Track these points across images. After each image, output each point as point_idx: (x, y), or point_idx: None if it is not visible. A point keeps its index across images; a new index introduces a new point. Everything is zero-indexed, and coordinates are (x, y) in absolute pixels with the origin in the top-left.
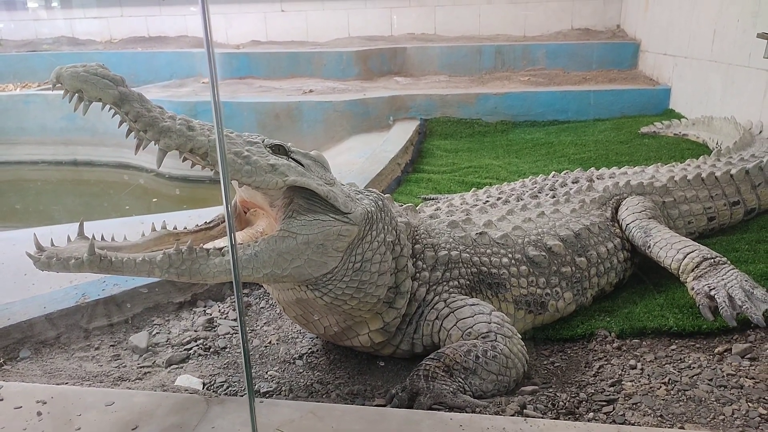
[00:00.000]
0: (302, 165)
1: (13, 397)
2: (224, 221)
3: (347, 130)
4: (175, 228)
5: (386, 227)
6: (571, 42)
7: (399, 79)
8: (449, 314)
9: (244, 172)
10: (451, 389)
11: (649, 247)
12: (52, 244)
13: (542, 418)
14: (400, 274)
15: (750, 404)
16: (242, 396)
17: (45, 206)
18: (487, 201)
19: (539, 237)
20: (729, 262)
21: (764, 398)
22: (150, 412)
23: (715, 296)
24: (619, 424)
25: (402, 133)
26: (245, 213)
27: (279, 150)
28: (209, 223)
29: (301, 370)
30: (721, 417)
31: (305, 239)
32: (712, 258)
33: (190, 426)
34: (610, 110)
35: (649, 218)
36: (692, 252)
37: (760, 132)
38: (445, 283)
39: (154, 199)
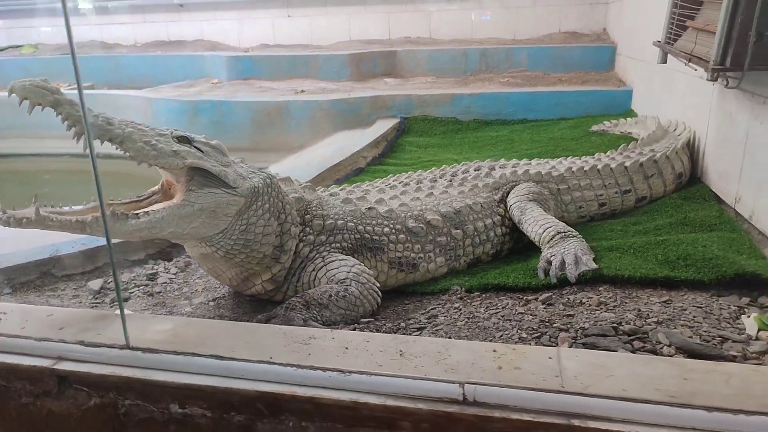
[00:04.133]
0: (202, 151)
1: None
2: (152, 195)
3: (331, 126)
4: (111, 200)
5: (272, 199)
6: (552, 45)
7: (388, 80)
8: (323, 266)
9: (151, 156)
10: (303, 317)
11: (522, 223)
12: (13, 209)
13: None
14: (284, 236)
15: (518, 331)
16: (147, 313)
17: (64, 191)
18: (390, 184)
19: (421, 212)
20: (578, 235)
21: (532, 328)
22: (76, 320)
23: (552, 260)
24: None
25: (379, 129)
26: (169, 189)
27: (183, 140)
28: (140, 197)
29: (210, 308)
30: (491, 338)
31: (200, 206)
32: (564, 232)
33: (101, 327)
34: (575, 110)
35: (530, 200)
36: (549, 227)
37: (675, 129)
38: (328, 245)
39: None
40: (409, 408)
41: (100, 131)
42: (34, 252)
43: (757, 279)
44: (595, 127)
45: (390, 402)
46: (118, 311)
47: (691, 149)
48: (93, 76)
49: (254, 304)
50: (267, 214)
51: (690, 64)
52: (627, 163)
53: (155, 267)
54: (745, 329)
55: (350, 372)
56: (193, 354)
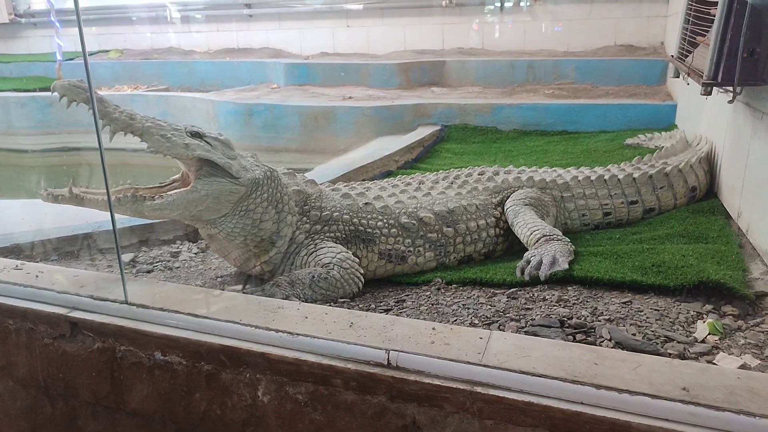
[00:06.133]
0: (211, 145)
1: (29, 269)
2: (172, 183)
3: (373, 131)
4: (136, 184)
5: (271, 190)
6: (603, 58)
7: (435, 90)
8: (314, 252)
9: (165, 147)
10: (285, 293)
11: (513, 226)
12: (53, 188)
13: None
14: (281, 224)
15: (472, 318)
16: (146, 278)
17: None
18: (394, 184)
19: (415, 210)
20: (564, 239)
21: (486, 316)
22: (95, 280)
23: (531, 259)
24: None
25: (417, 135)
26: (187, 178)
27: (195, 134)
28: (162, 183)
29: (216, 284)
30: (445, 321)
31: (206, 193)
32: (550, 235)
33: (112, 287)
34: (617, 123)
35: (525, 205)
36: (537, 230)
37: (698, 144)
38: (323, 234)
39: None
40: (339, 367)
41: (123, 125)
42: (80, 227)
43: (720, 287)
44: (629, 141)
45: (325, 361)
46: (136, 277)
47: (711, 164)
48: (169, 80)
49: (255, 283)
50: (265, 203)
51: (688, 77)
52: (636, 175)
53: (180, 247)
54: (695, 333)
55: (297, 334)
56: (176, 311)
